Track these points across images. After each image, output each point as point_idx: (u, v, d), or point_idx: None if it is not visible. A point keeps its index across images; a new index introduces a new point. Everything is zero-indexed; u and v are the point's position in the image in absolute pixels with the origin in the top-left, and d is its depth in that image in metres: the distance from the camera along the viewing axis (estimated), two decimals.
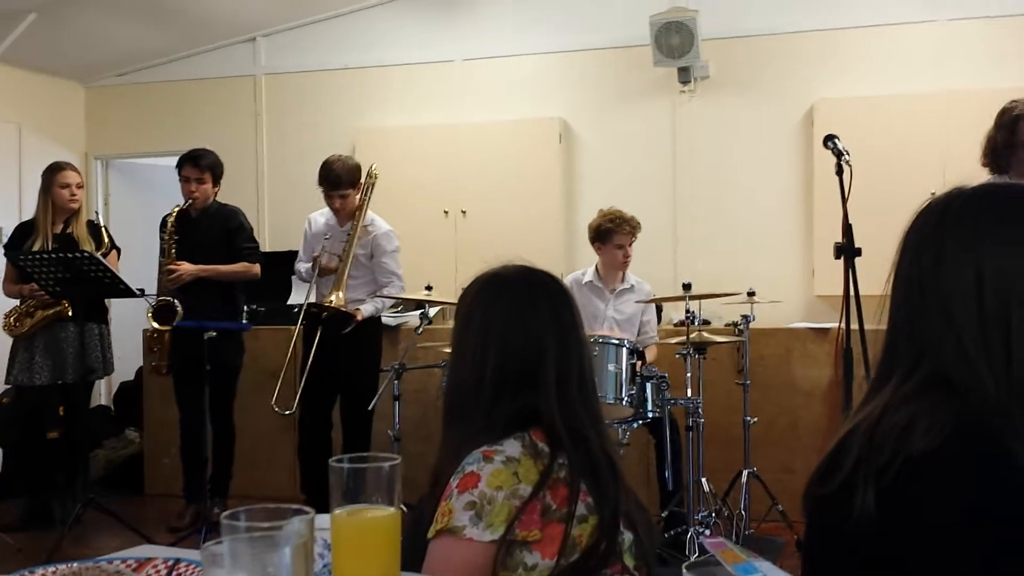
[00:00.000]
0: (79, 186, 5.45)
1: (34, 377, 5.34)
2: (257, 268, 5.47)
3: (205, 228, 5.41)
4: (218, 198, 5.54)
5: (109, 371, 5.71)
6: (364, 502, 1.18)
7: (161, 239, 5.35)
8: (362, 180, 5.22)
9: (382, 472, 1.20)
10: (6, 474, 5.88)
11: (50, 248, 5.26)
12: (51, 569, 1.30)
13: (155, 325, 5.25)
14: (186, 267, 5.27)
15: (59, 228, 5.44)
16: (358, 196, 5.21)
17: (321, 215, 5.38)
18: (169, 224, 5.32)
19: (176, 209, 5.35)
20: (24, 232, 5.50)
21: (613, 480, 1.66)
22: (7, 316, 5.44)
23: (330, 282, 5.14)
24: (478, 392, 1.69)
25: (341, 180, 5.11)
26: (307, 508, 1.01)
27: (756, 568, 1.01)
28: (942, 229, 1.31)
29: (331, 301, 4.98)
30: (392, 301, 5.42)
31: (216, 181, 5.45)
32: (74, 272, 4.90)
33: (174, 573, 1.31)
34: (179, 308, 5.18)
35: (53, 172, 5.43)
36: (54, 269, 4.92)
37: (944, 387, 1.24)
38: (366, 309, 5.12)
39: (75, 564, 1.30)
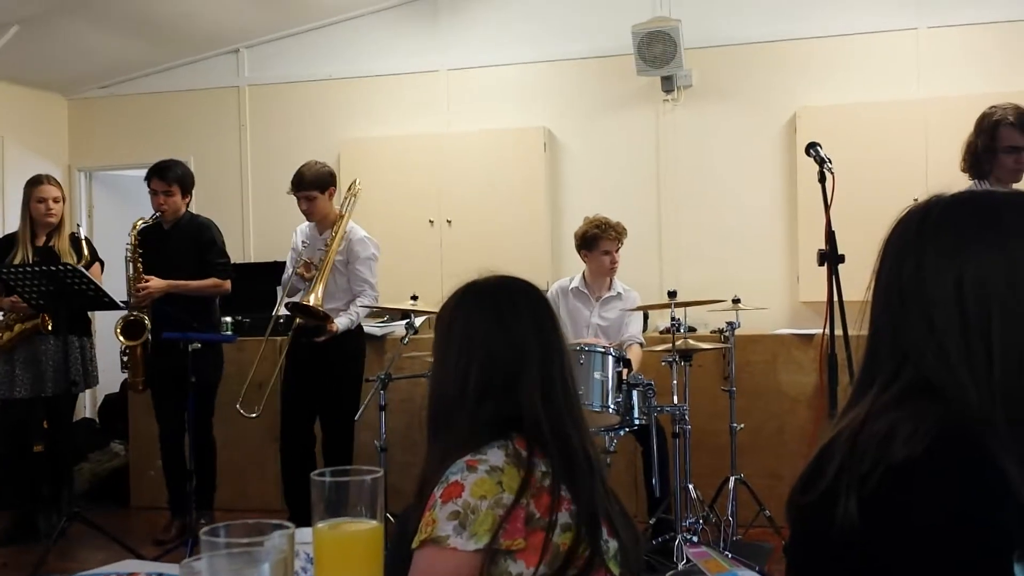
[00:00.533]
0: (55, 200, 5.41)
1: (14, 390, 5.32)
2: (227, 284, 5.43)
3: (176, 241, 5.37)
4: (203, 208, 5.52)
5: (92, 384, 5.68)
6: (347, 515, 1.18)
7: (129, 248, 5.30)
8: (334, 187, 5.23)
9: (364, 485, 1.19)
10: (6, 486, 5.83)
11: (30, 261, 5.24)
12: None
13: (123, 340, 5.23)
14: (155, 283, 5.21)
15: (41, 241, 5.42)
16: (331, 202, 5.21)
17: (306, 225, 5.38)
18: (132, 239, 5.27)
19: (139, 222, 5.31)
20: (6, 245, 5.49)
21: (589, 476, 1.66)
22: None
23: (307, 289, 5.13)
24: (462, 401, 1.70)
25: (303, 180, 5.12)
26: (288, 523, 1.01)
27: None
28: (922, 236, 1.32)
29: (308, 301, 4.95)
30: (367, 312, 5.36)
31: (185, 193, 5.39)
32: (57, 285, 4.87)
33: None
34: (148, 323, 5.17)
35: (31, 186, 5.42)
36: (37, 282, 4.89)
37: (926, 393, 1.25)
38: (340, 323, 5.05)
39: None
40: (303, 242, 5.28)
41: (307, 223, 5.35)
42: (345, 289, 5.21)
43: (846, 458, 1.23)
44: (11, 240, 5.49)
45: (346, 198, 5.26)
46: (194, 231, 5.42)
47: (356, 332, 5.27)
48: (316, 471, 1.19)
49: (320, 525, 1.18)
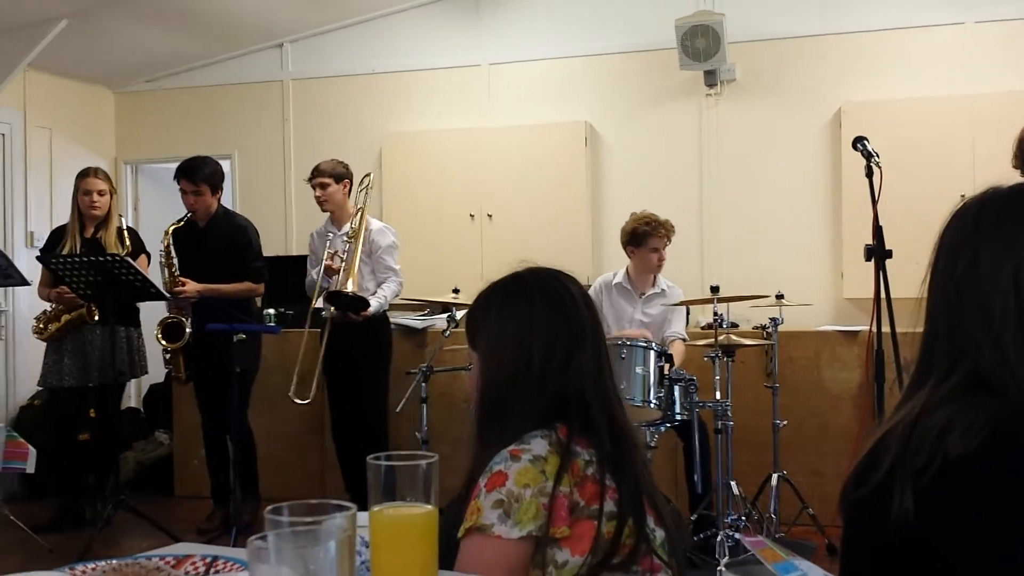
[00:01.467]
0: (100, 193, 5.49)
1: (62, 379, 5.42)
2: (260, 288, 5.52)
3: (213, 238, 5.44)
4: (246, 201, 5.59)
5: (139, 374, 5.75)
6: (402, 500, 1.19)
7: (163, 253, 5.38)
8: (349, 181, 5.45)
9: (419, 470, 1.20)
10: (38, 475, 5.93)
11: (78, 252, 5.32)
12: (91, 566, 1.31)
13: (164, 343, 5.31)
14: (191, 286, 5.28)
15: (90, 233, 5.51)
16: (346, 197, 5.44)
17: (321, 226, 5.59)
18: (164, 244, 5.35)
19: (171, 227, 5.39)
20: (57, 236, 5.59)
21: (634, 461, 1.67)
22: (37, 320, 5.53)
23: (335, 282, 5.29)
24: (524, 389, 1.69)
25: (319, 169, 5.39)
26: (349, 503, 1.02)
27: (796, 567, 1.01)
28: (979, 229, 1.30)
29: (346, 287, 5.12)
30: (394, 296, 5.48)
31: (215, 190, 5.41)
32: (105, 275, 4.95)
33: (212, 570, 1.32)
34: (188, 328, 5.24)
35: (80, 178, 5.53)
36: (85, 272, 4.97)
37: (982, 389, 1.24)
38: (372, 304, 5.23)
39: (115, 561, 1.31)
40: (328, 236, 5.42)
41: (321, 225, 5.57)
42: (370, 279, 5.36)
43: (901, 452, 1.23)
44: (61, 231, 5.59)
45: (360, 191, 5.44)
46: (231, 231, 5.46)
47: (380, 324, 5.40)
48: (372, 455, 1.21)
49: (376, 508, 1.19)
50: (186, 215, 5.39)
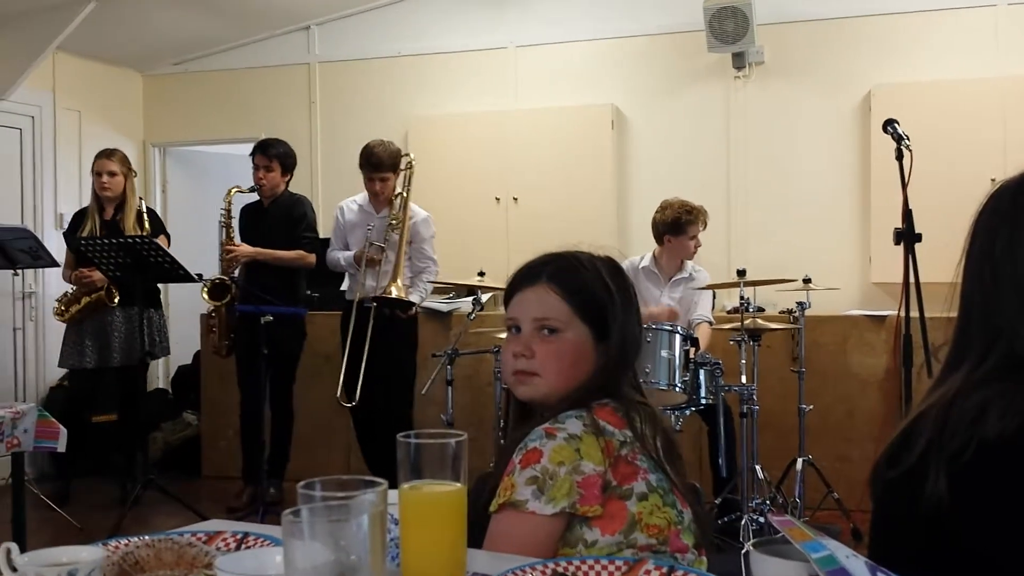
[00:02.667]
0: (111, 174, 5.56)
1: (83, 360, 5.50)
2: (312, 258, 5.58)
3: (274, 217, 5.55)
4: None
5: (159, 355, 5.83)
6: (431, 477, 1.20)
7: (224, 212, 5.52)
8: (402, 167, 5.32)
9: (448, 448, 1.21)
10: (67, 455, 5.99)
11: (97, 234, 5.40)
12: (124, 542, 1.33)
13: (205, 298, 5.43)
14: (243, 248, 5.43)
15: (110, 215, 5.58)
16: (398, 181, 5.32)
17: (353, 202, 5.48)
18: (226, 204, 5.49)
19: (234, 190, 5.51)
20: (79, 219, 5.68)
21: (670, 443, 1.73)
22: (58, 302, 5.60)
23: (375, 272, 5.24)
24: (624, 365, 1.78)
25: (383, 163, 5.23)
26: (380, 479, 1.03)
27: (824, 546, 1.01)
28: (1017, 208, 1.29)
29: (392, 292, 5.06)
30: (432, 288, 5.51)
31: (285, 171, 5.58)
32: (134, 257, 5.00)
33: (243, 545, 1.34)
34: (233, 287, 5.34)
35: (94, 160, 5.61)
36: (115, 254, 5.03)
37: (1018, 372, 1.23)
38: (413, 297, 5.24)
39: (147, 537, 1.32)
40: (368, 226, 5.32)
41: (353, 200, 5.48)
42: (406, 265, 5.32)
43: (936, 434, 1.22)
44: (83, 213, 5.67)
45: (404, 174, 5.34)
46: (290, 207, 5.61)
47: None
48: (402, 433, 1.21)
49: (405, 486, 1.19)
50: (251, 186, 5.53)
